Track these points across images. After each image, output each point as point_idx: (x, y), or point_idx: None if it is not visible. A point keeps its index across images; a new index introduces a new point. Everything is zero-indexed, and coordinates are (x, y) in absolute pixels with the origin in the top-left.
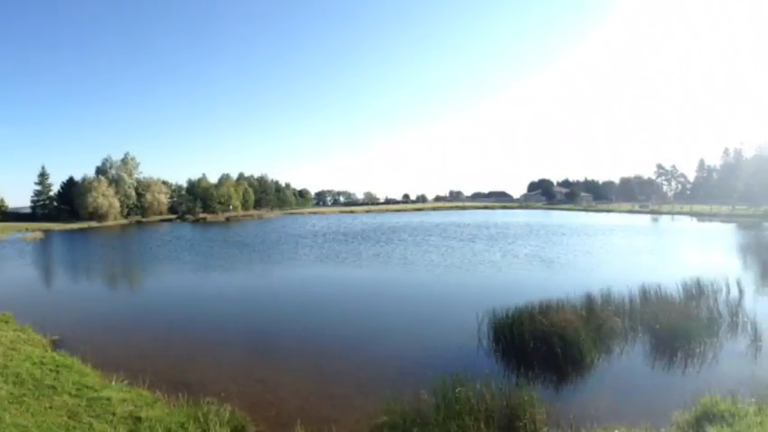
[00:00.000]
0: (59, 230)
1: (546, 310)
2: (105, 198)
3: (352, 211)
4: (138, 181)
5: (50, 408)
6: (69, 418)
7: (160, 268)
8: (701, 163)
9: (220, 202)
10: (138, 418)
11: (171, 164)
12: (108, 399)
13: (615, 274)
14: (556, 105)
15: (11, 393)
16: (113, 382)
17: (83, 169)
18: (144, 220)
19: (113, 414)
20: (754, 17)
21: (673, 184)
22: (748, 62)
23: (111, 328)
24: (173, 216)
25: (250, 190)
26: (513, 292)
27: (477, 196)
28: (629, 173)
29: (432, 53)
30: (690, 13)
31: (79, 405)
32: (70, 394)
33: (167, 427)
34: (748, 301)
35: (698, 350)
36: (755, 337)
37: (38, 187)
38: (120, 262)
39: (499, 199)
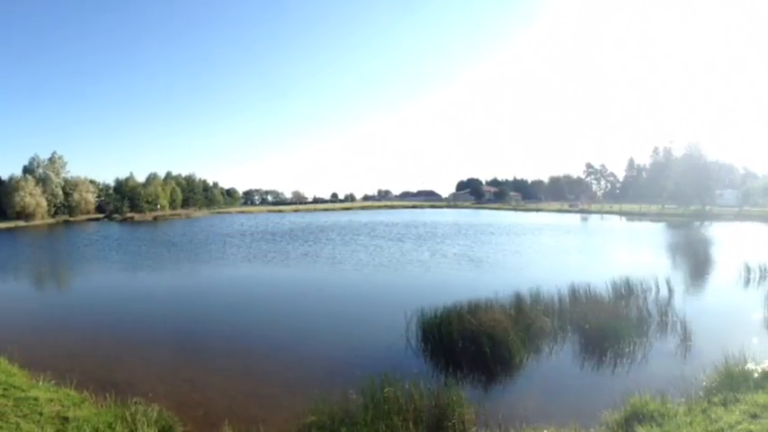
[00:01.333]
0: None
1: (475, 309)
2: (32, 197)
3: (280, 211)
4: (66, 180)
5: None
6: None
7: (88, 268)
8: (631, 162)
9: (148, 202)
10: (66, 418)
11: (99, 163)
12: (35, 399)
13: (544, 274)
14: (484, 104)
15: None
16: (41, 382)
17: (9, 169)
18: (71, 219)
19: (40, 414)
20: (682, 16)
21: (602, 183)
22: (678, 61)
23: (38, 327)
24: (100, 215)
25: (178, 189)
26: (442, 291)
27: (405, 195)
28: (559, 172)
29: (360, 52)
30: (617, 12)
31: (6, 405)
32: None
33: (95, 427)
34: (678, 301)
35: (627, 350)
36: (685, 337)
37: None
38: (48, 261)
39: (428, 198)
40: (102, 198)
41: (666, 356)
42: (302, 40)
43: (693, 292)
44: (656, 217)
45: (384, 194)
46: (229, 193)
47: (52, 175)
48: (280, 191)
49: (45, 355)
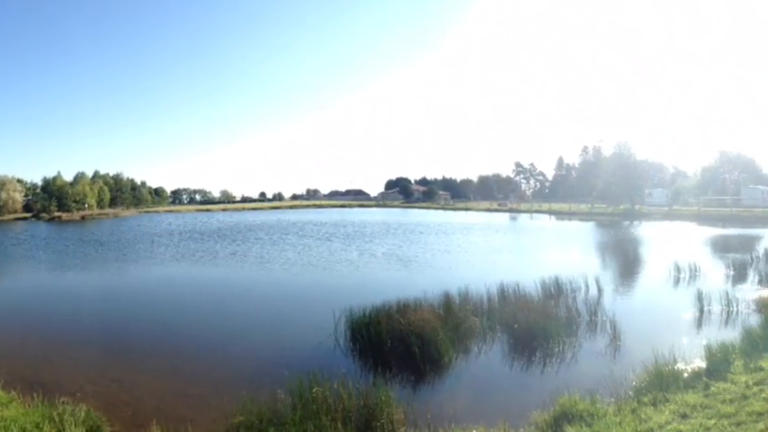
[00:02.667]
0: None
1: (404, 309)
2: None
3: (208, 210)
4: None
5: None
6: None
7: (15, 267)
8: (560, 161)
9: (76, 201)
10: None
11: (26, 162)
12: None
13: (474, 273)
14: (413, 103)
15: None
16: None
17: None
18: None
19: None
20: (610, 14)
21: (531, 182)
22: (607, 60)
23: None
24: (28, 215)
25: (105, 188)
26: (371, 291)
27: (334, 194)
28: (488, 171)
29: (289, 51)
30: (548, 9)
31: None
32: None
33: (22, 427)
34: (607, 300)
35: (557, 349)
36: (614, 336)
37: None
38: None
39: (356, 197)
40: (30, 197)
41: (596, 356)
42: (232, 39)
43: (623, 292)
44: (585, 216)
45: (313, 194)
46: (157, 193)
47: None
48: (208, 190)
49: None
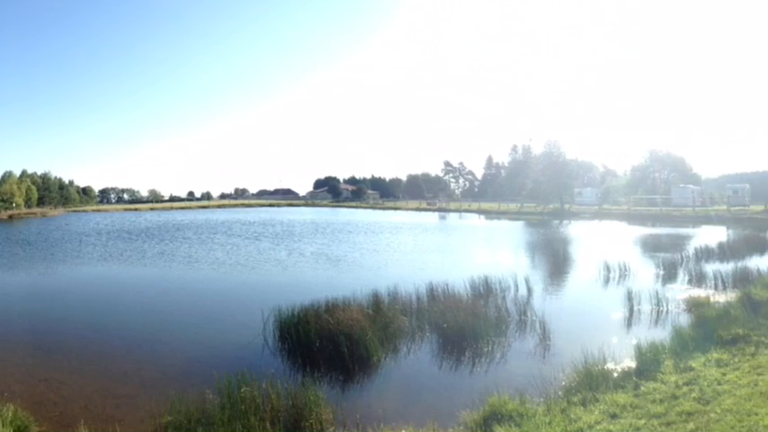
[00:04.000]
0: None
1: (332, 308)
2: None
3: (136, 209)
4: None
5: None
6: None
7: None
8: (490, 160)
9: (3, 200)
10: None
11: None
12: None
13: (403, 273)
14: (342, 102)
15: None
16: None
17: None
18: None
19: None
20: (542, 12)
21: (461, 181)
22: (536, 58)
23: None
24: None
25: (33, 188)
26: (300, 290)
27: (262, 194)
28: (417, 170)
29: (216, 49)
30: (478, 8)
31: None
32: None
33: None
34: (537, 300)
35: (486, 349)
36: (544, 336)
37: None
38: None
39: (285, 196)
40: None
41: (525, 356)
42: (158, 38)
43: (553, 291)
44: (514, 215)
45: (241, 193)
46: (85, 192)
47: None
48: (136, 189)
49: None
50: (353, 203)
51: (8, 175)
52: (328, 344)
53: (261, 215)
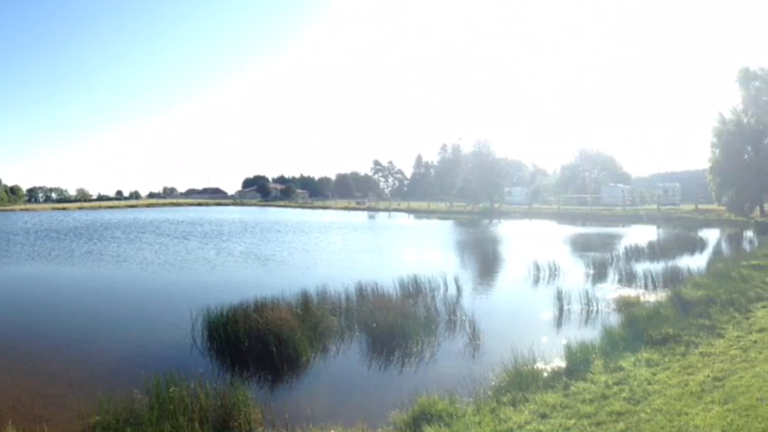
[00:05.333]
0: None
1: (261, 308)
2: None
3: (64, 208)
4: None
5: None
6: None
7: None
8: (419, 159)
9: None
10: None
11: None
12: None
13: (332, 272)
14: (270, 100)
15: None
16: None
17: None
18: None
19: None
20: (465, 11)
21: (390, 180)
22: (465, 58)
23: None
24: None
25: None
26: (229, 289)
27: (191, 193)
28: (346, 169)
29: (143, 48)
30: (406, 7)
31: None
32: None
33: None
34: (467, 300)
35: (416, 349)
36: (473, 336)
37: None
38: None
39: (213, 196)
40: None
41: (455, 356)
42: (85, 35)
43: (482, 291)
44: (444, 214)
45: (170, 192)
46: (13, 191)
47: None
48: (64, 188)
49: None
50: (282, 203)
51: None
52: (257, 343)
53: (189, 214)
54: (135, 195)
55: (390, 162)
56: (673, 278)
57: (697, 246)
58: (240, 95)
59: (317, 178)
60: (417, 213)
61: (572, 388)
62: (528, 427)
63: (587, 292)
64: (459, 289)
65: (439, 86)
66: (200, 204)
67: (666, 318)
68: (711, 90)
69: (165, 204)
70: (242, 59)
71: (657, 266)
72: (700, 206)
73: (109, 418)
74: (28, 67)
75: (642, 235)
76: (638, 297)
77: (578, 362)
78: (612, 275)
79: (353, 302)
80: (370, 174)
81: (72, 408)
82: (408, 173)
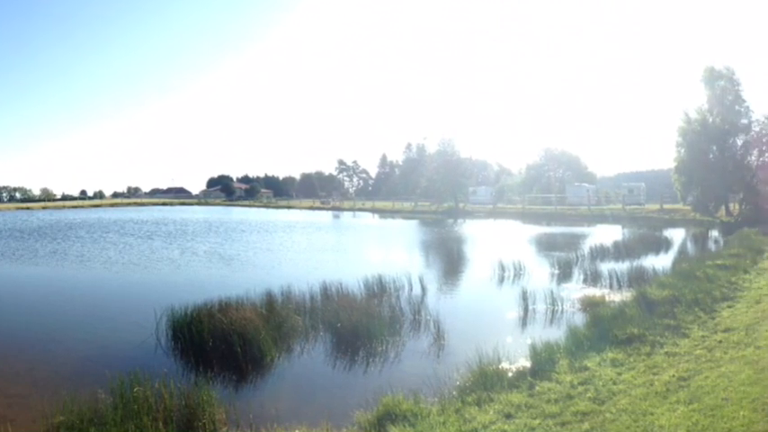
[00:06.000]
0: None
1: (226, 307)
2: None
3: (28, 208)
4: None
5: None
6: None
7: None
8: (384, 158)
9: None
10: None
11: None
12: None
13: (296, 272)
14: (234, 100)
15: None
16: None
17: None
18: None
19: None
20: (433, 11)
21: (354, 180)
22: (430, 57)
23: None
24: None
25: None
26: (193, 289)
27: (155, 192)
28: (311, 169)
29: (108, 47)
30: (372, 6)
31: None
32: None
33: None
34: (431, 299)
35: (380, 349)
36: (438, 336)
37: None
38: None
39: (178, 195)
40: None
41: (420, 355)
42: (50, 34)
43: (447, 291)
44: (409, 214)
45: (134, 191)
46: None
47: None
48: (28, 188)
49: None
50: (247, 202)
51: None
52: (221, 343)
53: (154, 214)
54: (99, 195)
55: (355, 162)
56: (638, 278)
57: (662, 245)
58: (204, 95)
59: (281, 178)
60: (382, 213)
61: (537, 388)
62: (493, 427)
63: (552, 292)
64: (423, 289)
65: (404, 86)
66: (164, 204)
67: (632, 317)
68: (677, 90)
69: (129, 204)
70: (206, 59)
71: (622, 266)
72: (665, 206)
73: (73, 418)
74: None
75: (607, 234)
76: (603, 297)
77: (543, 362)
78: (577, 275)
79: (318, 302)
80: (334, 173)
81: (36, 408)
82: (373, 172)
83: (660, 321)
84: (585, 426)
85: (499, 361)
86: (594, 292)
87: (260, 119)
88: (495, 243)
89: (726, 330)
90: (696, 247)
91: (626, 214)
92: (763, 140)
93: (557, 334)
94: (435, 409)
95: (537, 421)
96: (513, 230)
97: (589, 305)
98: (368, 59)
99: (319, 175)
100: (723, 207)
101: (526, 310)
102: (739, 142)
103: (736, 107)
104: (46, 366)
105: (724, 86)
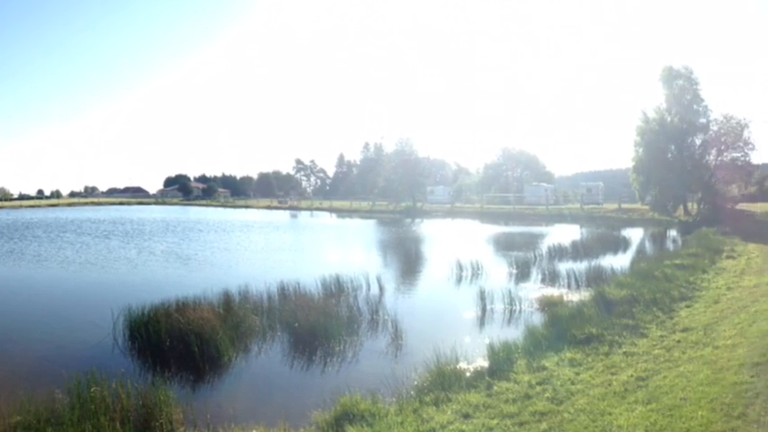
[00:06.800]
0: None
1: (183, 307)
2: None
3: None
4: None
5: None
6: None
7: None
8: (341, 158)
9: None
10: None
11: None
12: None
13: (254, 271)
14: (191, 99)
15: None
16: None
17: None
18: None
19: None
20: (391, 12)
21: (312, 179)
22: (389, 57)
23: None
24: None
25: None
26: (150, 289)
27: (113, 192)
28: (268, 168)
29: (64, 45)
30: (328, 8)
31: None
32: None
33: None
34: (389, 299)
35: (338, 349)
36: (396, 336)
37: None
38: None
39: (135, 195)
40: None
41: (378, 355)
42: (7, 33)
43: (405, 291)
44: (366, 214)
45: (91, 191)
46: None
47: None
48: None
49: None
50: (204, 202)
51: None
52: (179, 343)
53: (111, 213)
54: (56, 194)
55: (312, 161)
56: (596, 277)
57: (620, 245)
58: (162, 94)
59: (238, 177)
60: (340, 212)
61: (495, 388)
62: (451, 427)
63: (510, 292)
64: (381, 288)
65: (362, 85)
66: (121, 203)
67: (590, 317)
68: (635, 89)
69: (86, 203)
70: (163, 58)
71: (581, 266)
72: (623, 205)
73: (30, 418)
74: None
75: (565, 234)
76: (561, 296)
77: (501, 361)
78: (536, 275)
79: (275, 302)
80: (292, 173)
81: None
82: (331, 172)
83: (618, 321)
84: (544, 426)
85: (457, 361)
86: (553, 291)
87: (218, 118)
88: (452, 242)
89: (684, 330)
90: (654, 247)
91: (584, 214)
92: (722, 140)
93: (515, 334)
94: (393, 408)
95: (495, 421)
96: (471, 230)
97: (547, 305)
98: (325, 59)
99: (277, 174)
100: (681, 206)
101: (484, 309)
102: (698, 141)
103: (695, 106)
104: (2, 366)
105: (682, 86)
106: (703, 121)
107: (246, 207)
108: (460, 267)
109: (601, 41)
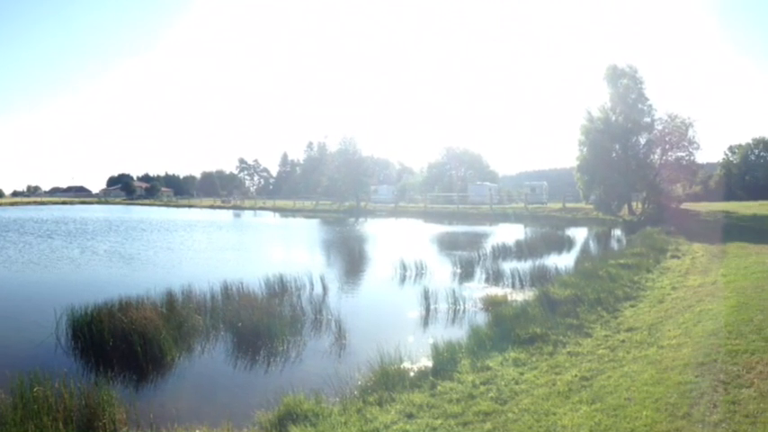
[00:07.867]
0: None
1: (126, 307)
2: None
3: None
4: None
5: None
6: None
7: None
8: (285, 157)
9: None
10: None
11: None
12: None
13: (197, 271)
14: (135, 99)
15: None
16: None
17: None
18: None
19: None
20: (330, 11)
21: (255, 178)
22: (331, 56)
23: None
24: None
25: None
26: (93, 288)
27: (55, 191)
28: (212, 167)
29: (7, 44)
30: (268, 6)
31: None
32: None
33: None
34: (332, 299)
35: (281, 348)
36: (339, 335)
37: None
38: None
39: (78, 194)
40: None
41: (321, 355)
42: None
43: (348, 290)
44: (310, 213)
45: (34, 190)
46: None
47: None
48: None
49: None
50: (147, 201)
51: None
52: (122, 343)
53: (54, 213)
54: None
55: (256, 160)
56: (540, 277)
57: (565, 244)
58: (104, 93)
59: (182, 176)
60: (283, 212)
61: (439, 388)
62: (394, 427)
63: (454, 292)
64: (325, 288)
65: (305, 84)
66: (64, 203)
67: (534, 317)
68: (579, 88)
69: (28, 203)
70: (105, 57)
71: (525, 265)
72: (567, 205)
73: None
74: None
75: (509, 233)
76: (505, 296)
77: (445, 361)
78: (480, 274)
79: (219, 301)
80: (235, 172)
81: None
82: (274, 171)
83: (563, 321)
84: (488, 426)
85: (401, 361)
86: (497, 291)
87: (161, 117)
88: (396, 242)
89: (629, 330)
90: (599, 247)
91: (528, 213)
92: (666, 139)
93: (459, 333)
94: (337, 408)
95: (439, 421)
96: (414, 229)
97: (491, 305)
98: (268, 58)
99: (220, 173)
100: (626, 206)
101: (428, 309)
102: (642, 141)
103: (639, 105)
104: None
105: (627, 85)
106: (648, 120)
107: (190, 206)
108: (404, 267)
109: (545, 40)
